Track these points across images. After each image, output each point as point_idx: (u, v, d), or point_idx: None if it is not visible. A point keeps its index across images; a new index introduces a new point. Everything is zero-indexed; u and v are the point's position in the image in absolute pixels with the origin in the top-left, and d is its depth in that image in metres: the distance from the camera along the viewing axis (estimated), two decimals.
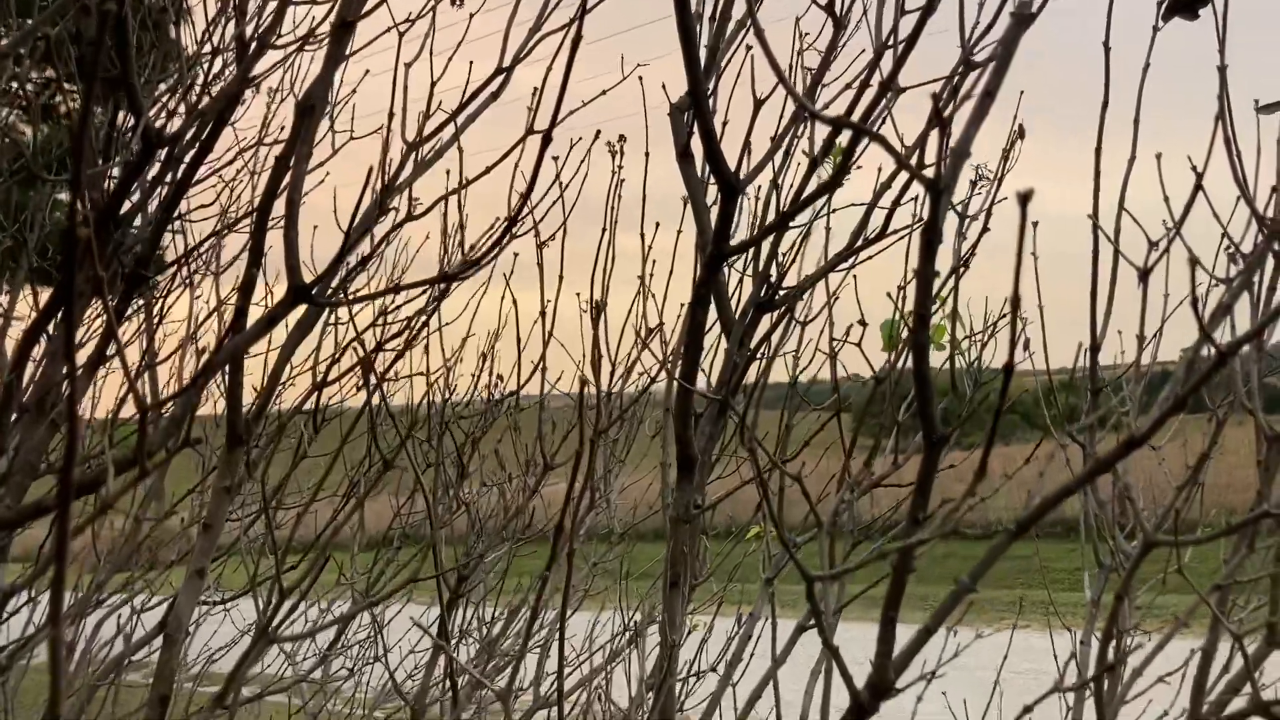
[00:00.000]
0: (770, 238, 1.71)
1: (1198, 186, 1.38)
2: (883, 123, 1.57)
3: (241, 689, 1.90)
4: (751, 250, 1.79)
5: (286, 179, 1.29)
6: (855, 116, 1.33)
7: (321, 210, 1.75)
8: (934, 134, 1.40)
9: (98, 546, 2.07)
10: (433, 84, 1.78)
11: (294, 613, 1.71)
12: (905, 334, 1.71)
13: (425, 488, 1.84)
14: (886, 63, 1.65)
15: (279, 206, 1.36)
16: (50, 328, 1.79)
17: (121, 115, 2.19)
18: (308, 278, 1.32)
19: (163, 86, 2.40)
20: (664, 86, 1.79)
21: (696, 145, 1.78)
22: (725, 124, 1.76)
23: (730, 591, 2.60)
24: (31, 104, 2.47)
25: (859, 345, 1.69)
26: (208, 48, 2.18)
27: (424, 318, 1.85)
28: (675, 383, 1.59)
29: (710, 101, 1.75)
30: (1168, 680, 1.72)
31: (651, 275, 2.18)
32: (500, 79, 1.74)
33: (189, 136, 1.91)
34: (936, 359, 1.95)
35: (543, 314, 2.07)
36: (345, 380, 1.99)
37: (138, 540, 2.08)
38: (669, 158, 1.87)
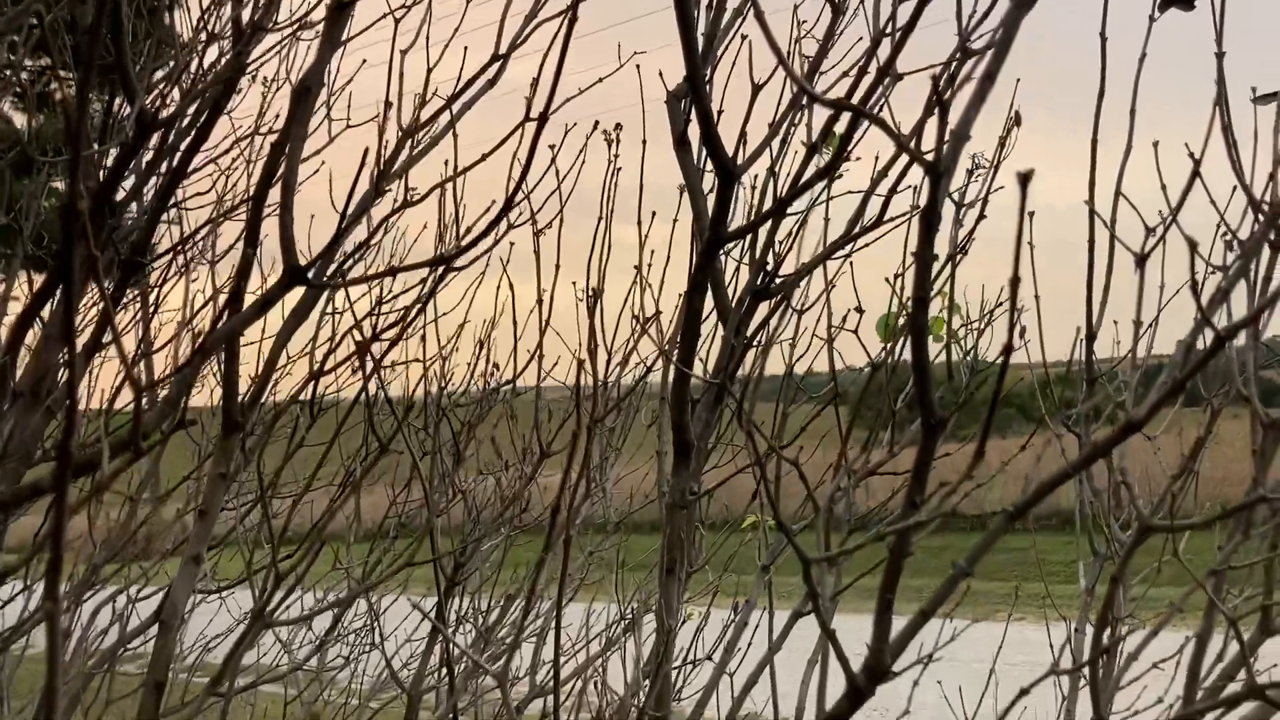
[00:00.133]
0: (767, 224, 1.71)
1: (1195, 173, 1.38)
2: (881, 109, 1.57)
3: (236, 678, 1.90)
4: (749, 238, 1.79)
5: (282, 162, 1.29)
6: (853, 101, 1.33)
7: (318, 202, 1.75)
8: (932, 121, 1.40)
9: (93, 533, 2.07)
10: (429, 70, 1.78)
11: (290, 597, 1.70)
12: (903, 322, 1.71)
13: (422, 473, 1.84)
14: (884, 50, 1.65)
15: (274, 194, 1.35)
16: (45, 313, 1.78)
17: (118, 103, 2.18)
18: (303, 262, 1.32)
19: (159, 74, 2.39)
20: (660, 74, 1.79)
21: (693, 133, 1.78)
22: (721, 112, 1.76)
23: (726, 583, 2.61)
24: (27, 92, 2.47)
25: (855, 333, 1.69)
26: (203, 36, 2.17)
27: (420, 305, 1.85)
28: (672, 368, 1.59)
29: (707, 90, 1.75)
30: (1161, 667, 1.72)
31: (649, 265, 2.18)
32: (496, 66, 1.74)
33: (185, 122, 1.91)
34: (933, 350, 1.95)
35: (540, 302, 2.07)
36: (342, 370, 1.99)
37: (134, 524, 2.08)
38: (665, 152, 1.87)
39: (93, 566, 1.85)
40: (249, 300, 1.40)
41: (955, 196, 1.82)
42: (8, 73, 2.52)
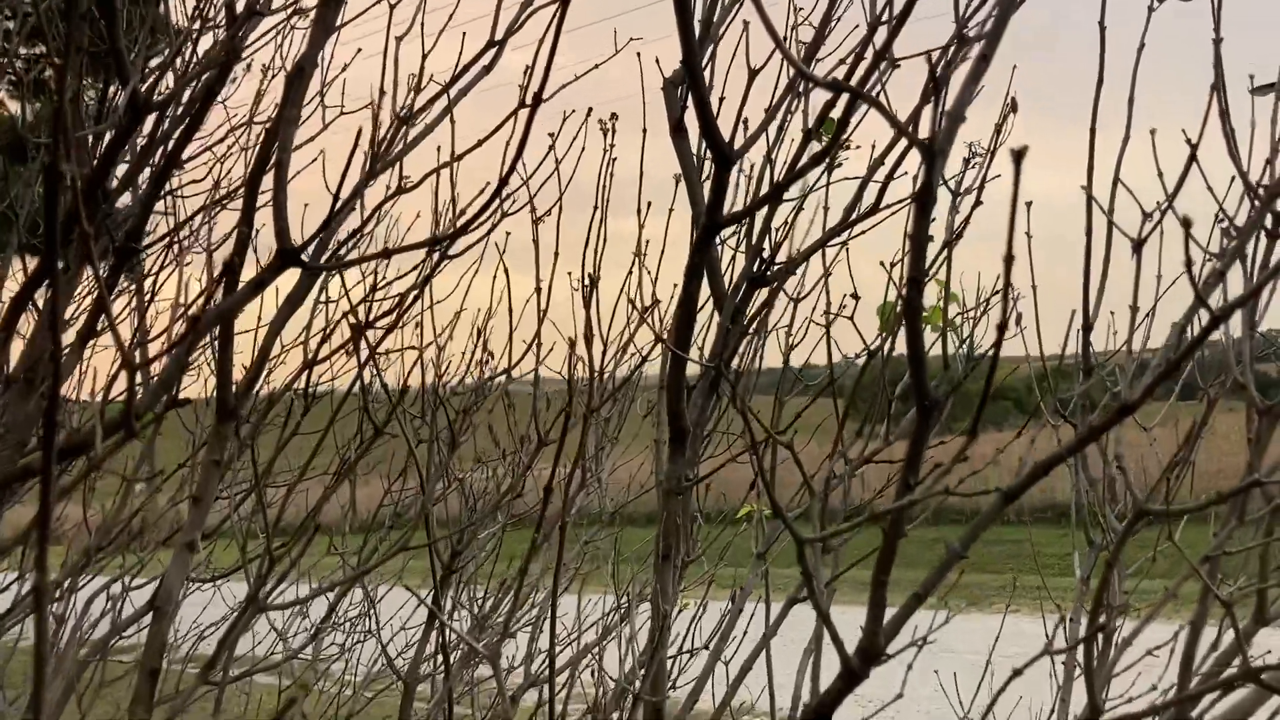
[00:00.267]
0: (764, 210, 1.71)
1: (1191, 157, 1.38)
2: (877, 95, 1.57)
3: (230, 668, 1.90)
4: (745, 225, 1.79)
5: (276, 146, 1.28)
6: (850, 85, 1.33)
7: (312, 193, 1.74)
8: (928, 110, 1.39)
9: (88, 520, 2.06)
10: (424, 56, 1.78)
11: (285, 582, 1.70)
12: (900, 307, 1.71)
13: (418, 460, 1.83)
14: (880, 37, 1.65)
15: (267, 182, 1.35)
16: (38, 299, 1.78)
17: (113, 91, 2.17)
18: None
19: (154, 63, 2.39)
20: (657, 60, 1.78)
21: (691, 122, 1.77)
22: (722, 100, 1.76)
23: (722, 575, 2.61)
24: (22, 79, 2.46)
25: (851, 319, 1.69)
26: (198, 23, 2.17)
27: (416, 292, 1.84)
28: (668, 355, 1.59)
29: (705, 77, 1.75)
30: (1156, 654, 1.72)
31: (644, 253, 2.17)
32: (492, 52, 1.73)
33: (180, 110, 1.90)
34: (930, 339, 1.95)
35: (538, 291, 2.07)
36: (336, 358, 1.99)
37: (129, 506, 2.08)
38: (662, 143, 1.87)
39: (86, 550, 1.85)
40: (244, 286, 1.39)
41: (952, 185, 1.82)
42: (3, 60, 2.51)
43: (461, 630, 2.40)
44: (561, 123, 1.75)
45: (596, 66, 1.86)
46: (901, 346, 1.87)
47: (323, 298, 2.27)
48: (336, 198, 1.30)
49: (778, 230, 1.79)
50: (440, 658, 1.93)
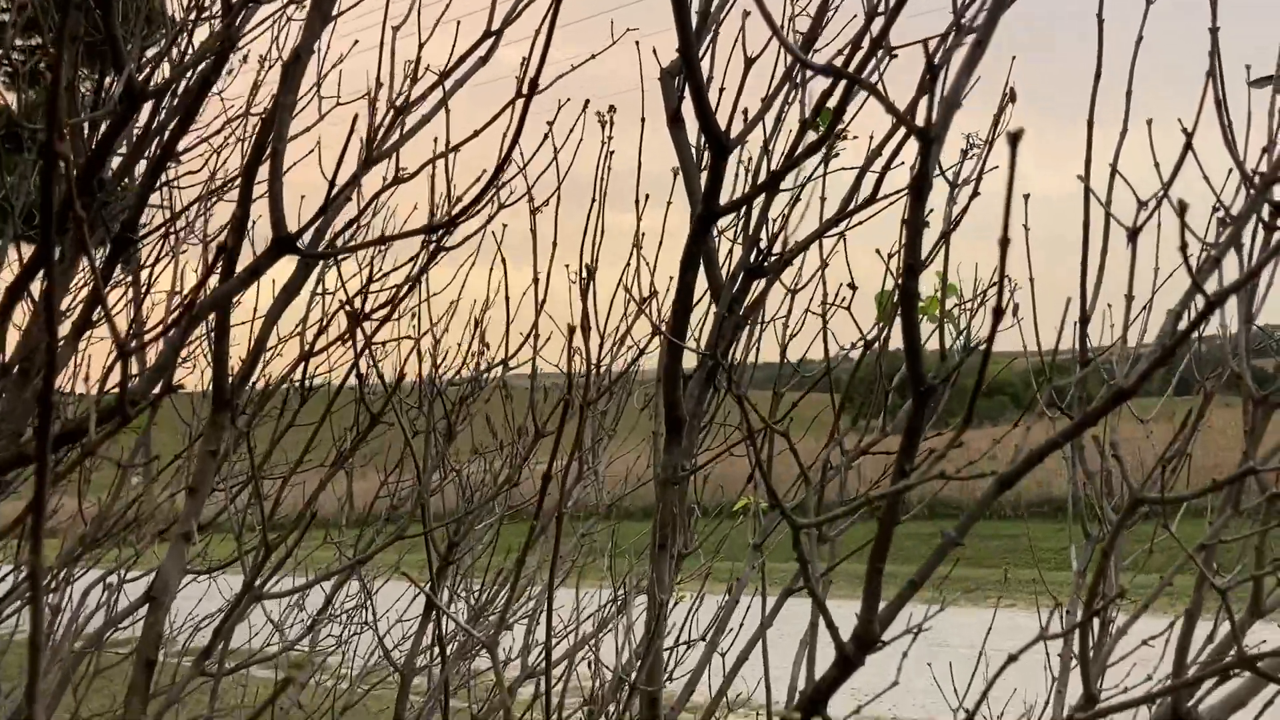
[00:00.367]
0: (761, 199, 1.71)
1: (1187, 145, 1.38)
2: (875, 84, 1.56)
3: (226, 659, 1.90)
4: (742, 216, 1.78)
5: (272, 133, 1.28)
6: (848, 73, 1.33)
7: (308, 185, 1.74)
8: (924, 101, 1.39)
9: (83, 510, 2.06)
10: (420, 46, 1.77)
11: (281, 571, 1.70)
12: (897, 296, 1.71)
13: (414, 450, 1.83)
14: (878, 27, 1.64)
15: (264, 172, 1.35)
16: (34, 288, 1.77)
17: (109, 81, 2.17)
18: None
19: (150, 53, 2.38)
20: (655, 51, 1.78)
21: (688, 112, 1.77)
22: (721, 90, 1.76)
23: (718, 568, 2.61)
24: (19, 71, 2.45)
25: (848, 309, 1.69)
26: (194, 14, 2.16)
27: (412, 282, 1.84)
28: (665, 345, 1.58)
29: (703, 67, 1.74)
30: (1151, 644, 1.72)
31: (642, 245, 2.17)
32: (489, 43, 1.73)
33: (175, 97, 1.90)
34: (926, 331, 1.95)
35: (535, 282, 2.06)
36: (332, 349, 1.99)
37: (125, 495, 2.07)
38: (660, 138, 1.87)
39: (82, 538, 1.85)
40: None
41: (950, 175, 1.81)
42: None
43: (462, 617, 2.40)
44: (557, 111, 1.74)
45: (594, 56, 1.86)
46: (898, 337, 1.87)
47: (319, 289, 2.27)
48: (332, 185, 1.30)
49: (775, 221, 1.79)
50: (437, 649, 1.93)
